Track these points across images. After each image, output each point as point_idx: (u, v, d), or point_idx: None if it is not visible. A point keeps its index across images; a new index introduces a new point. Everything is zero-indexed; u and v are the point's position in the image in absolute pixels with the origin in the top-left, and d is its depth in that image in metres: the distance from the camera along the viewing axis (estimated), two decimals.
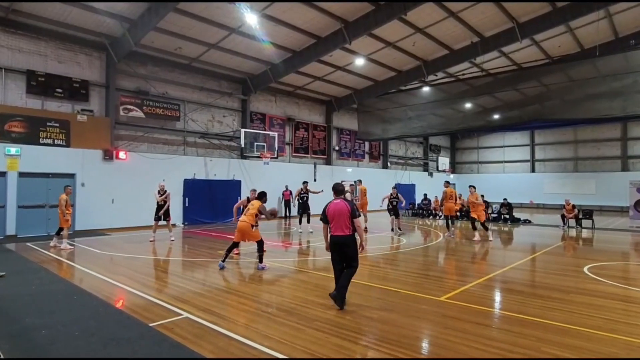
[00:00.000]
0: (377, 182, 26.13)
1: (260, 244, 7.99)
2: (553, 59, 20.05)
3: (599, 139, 28.02)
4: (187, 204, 16.43)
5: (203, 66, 17.32)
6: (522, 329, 4.61)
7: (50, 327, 4.54)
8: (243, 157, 18.79)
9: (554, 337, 4.34)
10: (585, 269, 7.92)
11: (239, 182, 18.34)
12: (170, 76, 16.64)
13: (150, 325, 4.62)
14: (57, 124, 13.29)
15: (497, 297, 6.19)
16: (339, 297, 5.28)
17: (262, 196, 8.28)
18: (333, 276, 5.61)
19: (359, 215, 5.50)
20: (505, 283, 6.91)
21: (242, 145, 17.51)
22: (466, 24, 15.84)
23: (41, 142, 12.95)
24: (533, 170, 31.13)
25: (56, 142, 13.27)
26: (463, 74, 21.01)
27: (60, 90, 13.48)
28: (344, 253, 5.44)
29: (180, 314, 5.03)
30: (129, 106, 15.13)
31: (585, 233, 14.86)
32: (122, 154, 14.73)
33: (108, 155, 14.32)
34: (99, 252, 9.69)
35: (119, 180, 14.61)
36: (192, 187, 16.70)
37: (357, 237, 5.48)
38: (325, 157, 23.65)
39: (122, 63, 15.01)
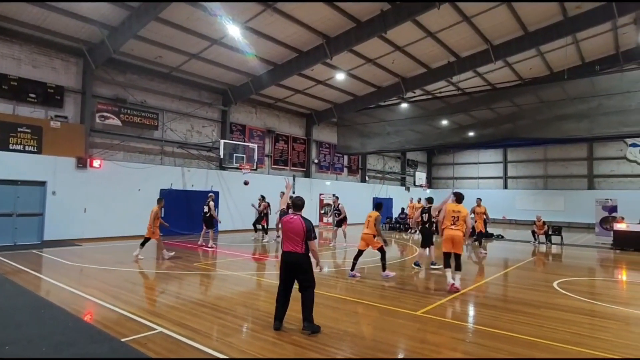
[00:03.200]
0: (355, 196, 26.34)
1: (382, 252, 8.62)
2: (525, 81, 20.91)
3: (567, 158, 29.21)
4: (162, 215, 16.03)
5: (183, 76, 17.20)
6: (495, 343, 4.72)
7: (15, 343, 4.35)
8: (222, 168, 18.62)
9: (523, 351, 4.47)
10: (554, 284, 8.19)
11: (217, 193, 18.13)
12: (150, 85, 16.45)
13: (123, 340, 4.49)
14: (28, 130, 12.87)
15: (471, 311, 6.32)
16: (309, 328, 4.82)
17: (379, 207, 9.19)
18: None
19: (315, 238, 5.00)
20: (479, 297, 7.07)
21: (221, 156, 17.37)
22: (443, 44, 16.37)
23: (10, 147, 12.50)
24: (506, 187, 32.07)
25: (27, 148, 12.84)
26: (440, 92, 21.61)
27: (33, 95, 13.10)
28: (295, 272, 4.95)
29: (154, 329, 4.91)
30: (105, 114, 14.83)
31: (554, 249, 15.36)
32: (96, 162, 14.36)
33: (82, 163, 13.93)
34: (68, 263, 9.36)
35: (92, 189, 14.21)
36: (169, 198, 16.35)
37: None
38: (305, 169, 23.71)
39: (100, 70, 14.76)
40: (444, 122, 24.68)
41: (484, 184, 33.27)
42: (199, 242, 13.36)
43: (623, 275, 10.08)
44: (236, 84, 18.57)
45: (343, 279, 8.51)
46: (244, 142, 19.48)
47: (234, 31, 13.24)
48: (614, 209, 17.25)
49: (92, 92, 14.55)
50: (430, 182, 36.03)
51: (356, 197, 26.34)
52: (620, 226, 15.25)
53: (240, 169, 17.84)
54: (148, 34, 13.64)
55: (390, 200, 29.04)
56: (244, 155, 18.25)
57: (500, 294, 7.61)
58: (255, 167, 18.78)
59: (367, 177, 28.58)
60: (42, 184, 13.03)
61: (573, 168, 29.07)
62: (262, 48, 15.38)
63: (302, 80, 18.78)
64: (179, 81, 17.31)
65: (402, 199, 29.77)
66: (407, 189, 32.33)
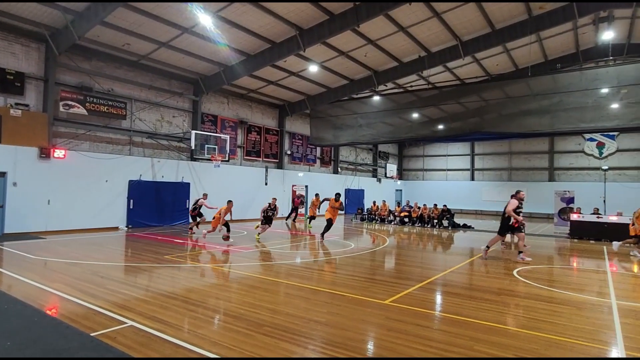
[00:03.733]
0: (327, 187, 26.54)
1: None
2: (492, 76, 21.60)
3: (530, 151, 30.49)
4: (131, 206, 15.74)
5: (153, 64, 16.74)
6: (458, 329, 4.99)
7: None
8: (193, 159, 18.34)
9: (485, 336, 4.75)
10: (515, 272, 8.65)
11: (188, 184, 17.88)
12: (117, 73, 15.92)
13: (92, 335, 4.46)
14: None
15: (437, 299, 6.60)
16: None
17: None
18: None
19: None
20: (445, 286, 7.39)
21: (193, 147, 17.10)
22: (414, 39, 16.66)
23: None
24: (473, 179, 33.15)
25: None
26: (411, 86, 22.00)
27: None
28: None
29: (124, 322, 4.89)
30: (70, 102, 14.27)
31: (517, 238, 16.07)
32: (60, 152, 13.83)
33: (44, 153, 13.39)
34: (32, 257, 9.06)
35: (56, 180, 13.71)
36: (138, 189, 16.03)
37: None
38: (277, 161, 23.68)
39: (64, 56, 14.15)
40: (415, 115, 25.15)
41: (452, 176, 34.25)
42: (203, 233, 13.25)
43: (578, 263, 10.73)
44: (208, 74, 18.24)
45: (316, 270, 8.66)
46: (216, 132, 19.23)
47: (205, 20, 12.99)
48: (571, 200, 18.23)
49: (55, 80, 13.95)
50: (401, 174, 36.76)
51: (329, 188, 26.56)
52: (576, 216, 16.17)
53: (212, 160, 17.64)
54: (115, 20, 13.18)
55: (362, 191, 29.48)
56: (216, 146, 18.04)
57: (464, 282, 7.96)
58: (227, 158, 18.61)
59: (339, 169, 28.84)
60: (2, 174, 12.47)
61: (535, 161, 30.39)
62: (234, 38, 15.17)
63: (275, 72, 18.66)
64: (148, 70, 16.84)
65: (374, 191, 30.31)
66: (379, 180, 32.86)
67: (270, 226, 13.43)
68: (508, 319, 5.48)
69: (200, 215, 14.75)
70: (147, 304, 5.71)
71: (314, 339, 4.58)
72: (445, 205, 21.00)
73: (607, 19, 15.07)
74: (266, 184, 21.95)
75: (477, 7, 14.66)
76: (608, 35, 15.90)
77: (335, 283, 7.41)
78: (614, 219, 15.55)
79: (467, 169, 33.67)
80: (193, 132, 17.13)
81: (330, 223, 13.56)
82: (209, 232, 12.73)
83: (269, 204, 13.32)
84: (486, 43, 16.85)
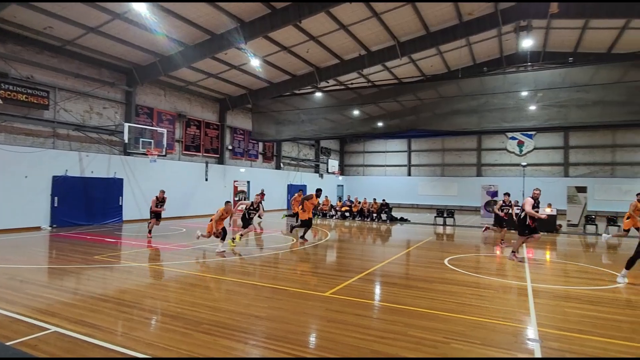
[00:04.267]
0: (270, 183, 26.40)
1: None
2: (427, 77, 22.72)
3: (461, 148, 32.61)
4: (56, 204, 14.52)
5: (80, 50, 15.48)
6: (394, 317, 5.26)
7: None
8: (126, 153, 17.30)
9: (417, 322, 5.05)
10: (445, 261, 9.25)
11: (121, 180, 16.85)
12: (37, 58, 14.52)
13: (8, 344, 4.09)
14: None
15: (375, 289, 6.89)
16: None
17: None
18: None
19: None
20: (382, 276, 7.72)
21: (126, 141, 16.13)
22: (355, 38, 17.05)
23: None
24: (409, 174, 34.74)
25: None
26: (352, 83, 22.52)
27: None
28: None
29: (47, 329, 4.54)
30: None
31: (448, 230, 17.20)
32: None
33: None
34: None
35: None
36: (64, 185, 14.81)
37: None
38: (218, 156, 23.08)
39: None
40: (356, 112, 25.79)
41: (391, 172, 35.63)
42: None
43: (501, 251, 11.70)
44: (142, 64, 17.26)
45: (258, 266, 8.62)
46: (152, 126, 18.30)
47: (139, 6, 12.26)
48: (495, 193, 19.80)
49: None
50: (343, 170, 37.53)
51: (271, 183, 26.44)
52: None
53: (148, 154, 16.77)
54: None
55: (304, 187, 29.66)
56: (152, 140, 17.19)
57: (401, 272, 8.37)
58: (164, 153, 17.80)
59: (282, 164, 28.78)
60: None
61: (465, 157, 32.57)
62: (171, 27, 14.49)
63: (215, 64, 18.14)
64: (74, 56, 15.54)
65: (316, 186, 30.58)
66: (321, 176, 33.28)
67: (252, 228, 11.15)
68: (439, 304, 5.86)
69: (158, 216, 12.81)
70: (74, 307, 5.35)
71: (254, 334, 4.59)
72: (384, 200, 21.82)
73: (527, 28, 16.48)
74: (206, 179, 21.33)
75: (413, 10, 15.32)
76: (527, 43, 17.40)
77: (276, 278, 7.44)
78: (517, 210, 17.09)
79: (405, 165, 35.20)
80: (126, 124, 16.15)
81: (309, 223, 12.34)
82: (202, 236, 10.70)
83: (252, 202, 11.20)
84: (421, 45, 17.69)
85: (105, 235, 12.68)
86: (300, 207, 12.57)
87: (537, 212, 9.38)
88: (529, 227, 9.34)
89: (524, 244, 10.84)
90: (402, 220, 20.62)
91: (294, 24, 14.72)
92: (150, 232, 12.45)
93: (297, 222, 13.19)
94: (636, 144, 27.32)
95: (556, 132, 28.71)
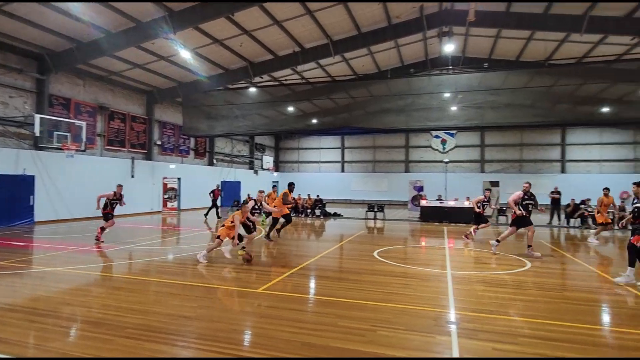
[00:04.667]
0: (202, 180, 25.60)
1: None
2: (358, 76, 23.43)
3: (390, 145, 34.19)
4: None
5: None
6: (326, 309, 5.43)
7: None
8: (38, 147, 15.69)
9: (347, 313, 5.26)
10: (375, 253, 9.69)
11: (32, 177, 15.26)
12: None
13: None
14: None
15: (308, 283, 7.03)
16: None
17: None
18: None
19: None
20: (315, 270, 7.90)
21: (37, 134, 14.61)
22: (289, 34, 17.08)
23: None
24: (343, 170, 35.66)
25: None
26: (286, 79, 22.53)
27: None
28: None
29: None
30: None
31: (379, 223, 17.98)
32: None
33: None
34: None
35: None
36: None
37: None
38: (146, 151, 21.82)
39: None
40: (290, 109, 25.87)
41: (325, 168, 36.29)
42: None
43: (425, 242, 12.52)
44: (56, 49, 15.73)
45: (190, 265, 8.35)
46: (69, 118, 16.77)
47: None
48: (421, 188, 21.10)
49: None
50: (278, 166, 37.46)
51: (204, 180, 25.63)
52: (424, 202, 18.85)
53: (64, 149, 15.37)
54: None
55: (238, 183, 29.16)
56: (69, 134, 15.78)
57: (333, 265, 8.62)
58: (83, 148, 16.44)
59: (215, 161, 27.98)
60: None
61: (394, 154, 34.21)
62: (90, 10, 13.37)
63: (142, 54, 17.09)
64: None
65: (251, 183, 30.24)
66: (256, 172, 32.92)
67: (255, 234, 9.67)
68: (368, 295, 6.15)
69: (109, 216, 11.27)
70: None
71: (182, 335, 4.47)
72: (318, 196, 22.19)
73: (448, 34, 17.68)
74: (133, 176, 20.08)
75: (345, 10, 15.72)
76: (449, 48, 18.69)
77: (208, 277, 7.29)
78: (451, 203, 18.56)
79: (338, 161, 36.05)
80: (37, 116, 14.64)
81: (284, 219, 12.01)
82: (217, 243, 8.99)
83: (254, 201, 10.08)
84: (353, 44, 18.22)
85: (12, 239, 11.44)
86: (274, 205, 11.92)
87: (529, 207, 9.71)
88: (524, 218, 9.66)
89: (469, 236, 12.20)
90: (336, 215, 21.14)
91: (226, 16, 14.37)
92: (99, 237, 10.91)
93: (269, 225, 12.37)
94: (539, 143, 30.68)
95: (474, 132, 31.24)
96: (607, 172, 28.51)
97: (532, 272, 7.93)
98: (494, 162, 31.69)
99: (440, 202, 19.19)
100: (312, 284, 6.96)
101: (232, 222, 8.66)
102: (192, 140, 25.69)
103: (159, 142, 22.81)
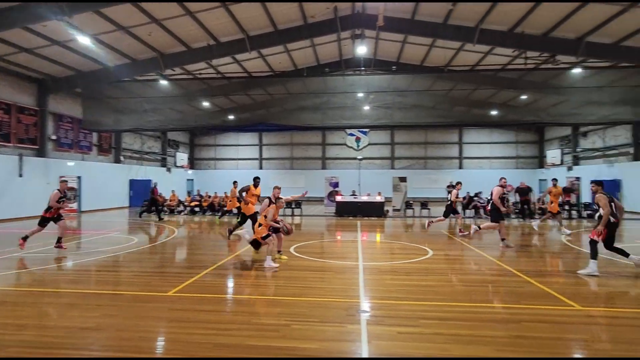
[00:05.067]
0: (108, 178, 23.63)
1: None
2: (275, 73, 23.41)
3: (307, 142, 34.80)
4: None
5: None
6: (240, 308, 5.40)
7: None
8: None
9: (262, 309, 5.31)
10: (291, 249, 9.84)
11: None
12: None
13: None
14: None
15: (222, 283, 6.91)
16: None
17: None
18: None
19: None
20: (230, 269, 7.79)
21: None
22: (203, 26, 16.44)
23: None
24: (261, 167, 35.41)
25: None
26: (200, 73, 21.68)
27: None
28: None
29: None
30: None
31: (296, 219, 18.23)
32: None
33: None
34: None
35: None
36: None
37: None
38: (37, 147, 19.37)
39: None
40: (206, 104, 24.99)
41: (243, 165, 35.71)
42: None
43: (340, 236, 13.02)
44: None
45: (93, 271, 7.67)
46: None
47: None
48: (336, 184, 21.86)
49: None
50: (193, 163, 35.94)
51: (109, 179, 23.66)
52: (339, 197, 19.59)
53: None
54: None
55: (149, 182, 27.38)
56: None
57: (249, 263, 8.56)
58: None
59: (122, 157, 25.89)
60: None
61: (311, 151, 34.93)
62: None
63: (31, 37, 15.12)
64: None
65: (163, 181, 28.59)
66: (169, 170, 31.20)
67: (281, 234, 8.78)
68: (283, 290, 6.25)
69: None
70: None
71: (81, 349, 4.12)
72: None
73: (360, 37, 18.48)
74: (21, 175, 17.73)
75: (261, 6, 15.58)
76: (361, 50, 19.53)
77: (111, 283, 6.78)
78: (364, 198, 19.55)
79: (256, 158, 35.71)
80: None
81: (253, 217, 11.17)
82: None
83: (274, 199, 8.78)
84: (270, 41, 18.15)
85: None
86: (242, 201, 11.24)
87: (506, 201, 10.37)
88: (501, 214, 10.11)
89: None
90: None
91: (131, 1, 13.36)
92: (24, 240, 9.26)
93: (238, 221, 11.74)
94: (441, 141, 33.66)
95: (384, 130, 33.17)
96: (495, 168, 32.24)
97: (433, 260, 8.73)
98: (403, 159, 34.00)
99: (354, 198, 20.09)
100: (227, 284, 6.87)
101: (266, 216, 8.14)
102: (95, 135, 23.46)
103: (54, 137, 20.40)
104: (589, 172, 24.05)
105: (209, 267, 7.85)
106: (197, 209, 20.93)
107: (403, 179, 20.20)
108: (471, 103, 25.30)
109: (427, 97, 19.13)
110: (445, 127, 30.63)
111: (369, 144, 34.13)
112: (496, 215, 10.16)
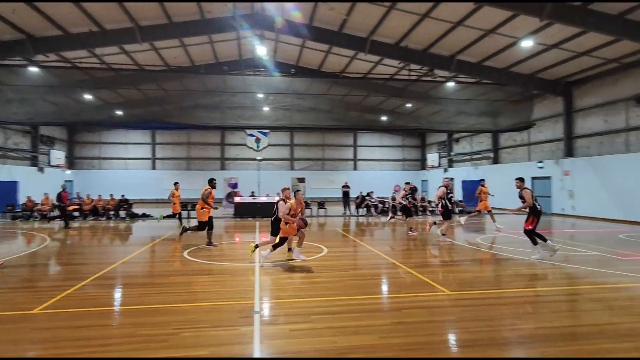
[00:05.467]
0: None
1: None
2: (171, 68, 22.09)
3: (206, 142, 33.53)
4: None
5: None
6: (123, 320, 4.99)
7: None
8: None
9: (148, 320, 4.95)
10: (185, 253, 9.40)
11: None
12: None
13: None
14: None
15: (103, 294, 6.28)
16: None
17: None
18: None
19: None
20: (113, 279, 7.13)
21: None
22: (83, 9, 14.75)
23: None
24: (154, 168, 33.03)
25: None
26: (82, 62, 19.41)
27: None
28: None
29: None
30: None
31: (193, 222, 17.43)
32: None
33: None
34: None
35: None
36: None
37: None
38: None
39: None
40: (88, 97, 22.51)
41: (133, 165, 32.91)
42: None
43: (237, 238, 12.84)
44: None
45: None
46: None
47: None
48: (235, 185, 21.51)
49: None
50: (72, 162, 31.96)
51: None
52: (238, 199, 19.31)
53: None
54: None
55: (15, 183, 23.63)
56: None
57: (135, 271, 7.93)
58: None
59: None
60: None
61: (210, 151, 33.75)
62: None
63: None
64: None
65: (34, 182, 24.89)
66: (41, 169, 27.22)
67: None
68: (173, 297, 5.93)
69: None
70: None
71: None
72: (123, 196, 20.01)
73: (260, 37, 18.43)
74: None
75: None
76: (261, 50, 19.47)
77: None
78: (263, 199, 19.58)
79: (149, 158, 33.20)
80: None
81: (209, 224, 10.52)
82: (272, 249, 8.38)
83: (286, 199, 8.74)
84: (164, 33, 17.07)
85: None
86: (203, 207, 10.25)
87: (452, 199, 11.62)
88: (449, 211, 11.38)
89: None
90: (145, 216, 19.48)
91: None
92: None
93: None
94: (338, 144, 35.34)
95: (284, 132, 33.59)
96: (386, 170, 34.94)
97: (328, 257, 9.13)
98: (302, 160, 34.81)
99: (254, 199, 19.97)
100: (110, 294, 6.28)
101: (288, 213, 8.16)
102: None
103: None
104: (461, 173, 27.49)
105: (88, 277, 7.09)
106: (76, 213, 18.69)
107: (302, 180, 20.69)
108: (364, 109, 27.01)
109: (324, 101, 19.91)
110: (341, 130, 32.17)
111: (269, 145, 34.20)
112: (446, 213, 11.40)
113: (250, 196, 20.75)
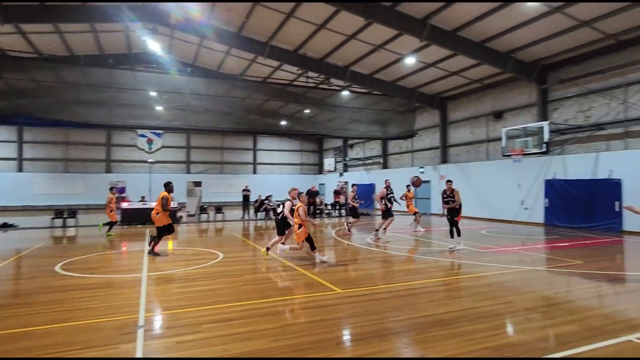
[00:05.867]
0: None
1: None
2: (43, 56, 19.42)
3: (88, 142, 30.16)
4: None
5: None
6: None
7: None
8: None
9: (5, 348, 4.27)
10: (57, 267, 8.31)
11: None
12: None
13: None
14: None
15: None
16: None
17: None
18: None
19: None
20: None
21: None
22: None
23: None
24: (21, 170, 28.58)
25: None
26: None
27: None
28: None
29: None
30: None
31: (70, 231, 15.53)
32: None
33: None
34: None
35: None
36: None
37: None
38: None
39: None
40: None
41: None
42: None
43: (122, 247, 11.77)
44: None
45: None
46: None
47: None
48: (123, 189, 19.76)
49: None
50: None
51: None
52: (126, 204, 17.73)
53: None
54: None
55: None
56: None
57: None
58: None
59: None
60: None
61: (93, 152, 30.39)
62: None
63: None
64: None
65: None
66: None
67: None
68: (38, 318, 5.20)
69: None
70: None
71: None
72: None
73: (152, 31, 17.23)
74: None
75: None
76: (154, 45, 18.22)
77: None
78: (155, 204, 18.24)
79: (14, 159, 28.60)
80: None
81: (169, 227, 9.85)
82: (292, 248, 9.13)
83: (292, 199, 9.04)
84: (33, 16, 14.94)
85: None
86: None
87: (392, 199, 12.06)
88: (389, 210, 12.03)
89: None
90: (6, 226, 16.74)
91: None
92: None
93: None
94: (237, 147, 34.80)
95: (180, 133, 31.90)
96: (285, 173, 35.42)
97: (223, 263, 8.91)
98: (199, 163, 33.42)
99: (144, 204, 18.51)
100: None
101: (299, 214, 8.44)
102: None
103: None
104: (355, 177, 29.16)
105: None
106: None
107: (198, 184, 19.85)
108: (264, 112, 27.04)
109: (224, 103, 19.40)
110: (240, 133, 31.68)
111: (163, 147, 32.08)
112: (386, 213, 12.04)
113: (140, 201, 19.20)
